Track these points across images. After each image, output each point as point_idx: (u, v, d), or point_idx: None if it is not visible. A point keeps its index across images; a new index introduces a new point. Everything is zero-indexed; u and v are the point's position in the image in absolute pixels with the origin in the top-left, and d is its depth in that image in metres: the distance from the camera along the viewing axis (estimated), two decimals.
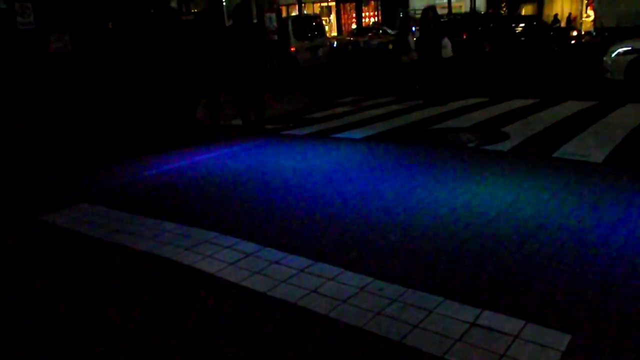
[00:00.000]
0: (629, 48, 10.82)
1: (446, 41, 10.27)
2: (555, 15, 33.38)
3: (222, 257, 3.66)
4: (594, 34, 25.74)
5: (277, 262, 3.52)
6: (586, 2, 35.87)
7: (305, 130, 8.25)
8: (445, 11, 34.10)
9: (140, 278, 3.47)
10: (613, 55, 11.01)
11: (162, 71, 7.59)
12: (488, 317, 2.75)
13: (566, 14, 35.41)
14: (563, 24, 31.10)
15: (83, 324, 2.93)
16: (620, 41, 11.86)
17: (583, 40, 24.54)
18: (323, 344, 2.63)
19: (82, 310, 3.10)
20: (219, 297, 3.15)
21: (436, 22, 10.17)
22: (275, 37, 11.82)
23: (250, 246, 3.81)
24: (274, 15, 11.85)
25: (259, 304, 3.03)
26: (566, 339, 2.53)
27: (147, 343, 2.72)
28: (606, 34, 23.52)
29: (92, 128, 6.93)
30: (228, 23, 10.32)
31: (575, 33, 24.21)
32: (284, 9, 39.95)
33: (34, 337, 2.85)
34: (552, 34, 23.61)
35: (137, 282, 3.40)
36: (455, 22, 26.95)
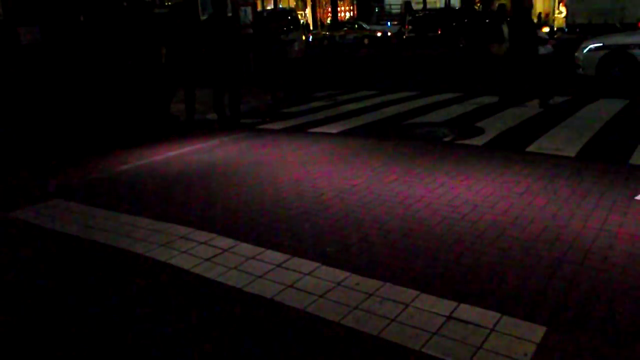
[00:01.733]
0: (601, 44, 10.99)
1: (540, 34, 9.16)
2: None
3: (198, 253, 3.62)
4: (566, 30, 26.11)
5: (253, 258, 3.50)
6: None
7: (281, 125, 8.21)
8: (421, 6, 34.34)
9: (115, 275, 3.41)
10: (585, 51, 11.18)
11: (136, 64, 7.48)
12: (464, 310, 2.77)
13: (539, 11, 35.83)
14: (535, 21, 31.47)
15: (56, 322, 2.88)
16: (592, 38, 12.05)
17: (555, 36, 24.88)
18: (300, 339, 2.61)
19: (56, 308, 3.03)
20: (195, 294, 3.12)
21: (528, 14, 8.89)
22: (251, 31, 11.75)
23: (226, 242, 3.77)
24: (249, 9, 11.78)
25: (235, 300, 3.01)
26: (541, 330, 2.56)
27: (122, 341, 2.68)
28: (578, 30, 23.88)
29: (65, 122, 6.80)
30: (202, 17, 10.23)
31: (547, 29, 24.54)
32: (259, 2, 39.72)
33: (5, 337, 2.79)
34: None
35: (112, 279, 3.35)
36: (431, 17, 27.19)
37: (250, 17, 11.81)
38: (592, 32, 18.84)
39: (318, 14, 43.80)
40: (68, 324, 2.85)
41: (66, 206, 4.70)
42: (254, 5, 13.17)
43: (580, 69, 11.29)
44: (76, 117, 6.89)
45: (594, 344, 2.46)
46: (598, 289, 2.93)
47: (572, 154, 5.73)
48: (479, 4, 34.01)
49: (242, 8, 11.62)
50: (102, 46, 7.19)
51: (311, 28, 38.88)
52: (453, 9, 32.05)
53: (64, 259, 3.68)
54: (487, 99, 9.47)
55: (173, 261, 3.51)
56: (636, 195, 4.33)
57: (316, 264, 3.36)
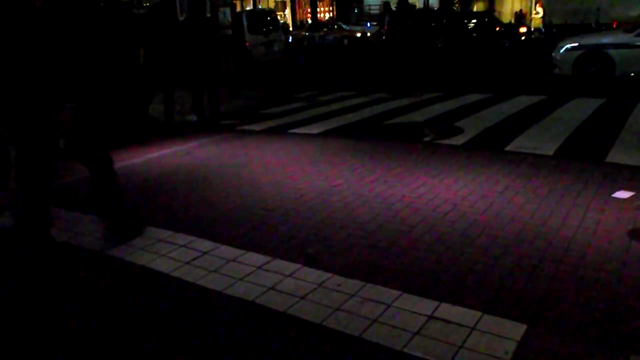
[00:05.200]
0: (577, 44, 11.16)
1: None
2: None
3: (177, 256, 3.58)
4: (543, 30, 26.45)
5: (234, 260, 3.47)
6: None
7: (262, 126, 8.18)
8: None
9: (92, 279, 3.36)
10: (561, 51, 11.34)
11: (113, 66, 7.38)
12: (445, 310, 2.78)
13: (517, 11, 36.22)
14: (512, 21, 31.89)
15: (31, 330, 2.82)
16: (568, 38, 12.22)
17: (533, 36, 25.18)
18: (282, 341, 2.60)
19: (32, 315, 2.98)
20: (174, 297, 3.08)
21: None
22: (230, 32, 11.70)
23: (206, 244, 3.74)
24: (228, 9, 11.72)
25: (216, 303, 2.98)
26: (522, 328, 2.58)
27: (104, 345, 2.64)
28: (554, 30, 24.20)
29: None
30: (181, 17, 10.15)
31: (524, 29, 24.83)
32: (238, 3, 39.55)
33: None
34: (502, 30, 24.19)
35: (89, 284, 3.30)
36: None
37: (229, 17, 11.74)
38: (569, 32, 19.11)
39: (298, 15, 43.79)
40: (47, 331, 2.80)
41: None
42: (233, 6, 13.11)
43: (557, 69, 11.45)
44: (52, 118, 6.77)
45: (574, 341, 2.48)
46: (577, 286, 2.96)
47: (550, 153, 5.79)
48: (457, 5, 34.32)
49: (221, 9, 11.55)
50: (78, 47, 7.08)
51: (291, 29, 38.85)
52: (432, 9, 32.23)
53: (41, 264, 3.61)
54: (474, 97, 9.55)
55: (152, 265, 3.47)
56: (613, 192, 4.38)
57: (297, 266, 3.34)
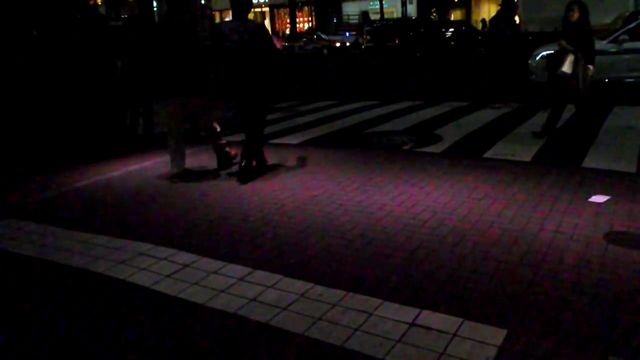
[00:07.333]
0: (552, 52, 11.32)
1: None
2: (483, 19, 34.60)
3: (158, 269, 3.55)
4: None
5: (215, 272, 3.46)
6: None
7: (241, 137, 8.14)
8: (378, 16, 34.81)
9: (73, 295, 3.32)
10: (537, 58, 11.50)
11: (91, 78, 7.33)
12: (426, 317, 2.79)
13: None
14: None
15: (11, 348, 2.78)
16: (544, 45, 12.41)
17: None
18: (264, 353, 2.59)
19: (10, 332, 2.93)
20: (156, 311, 3.06)
21: None
22: (209, 43, 11.70)
23: (187, 257, 3.72)
24: (206, 21, 11.74)
25: (198, 316, 2.96)
26: (502, 334, 2.60)
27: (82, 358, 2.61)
28: (530, 37, 24.57)
29: (17, 137, 6.62)
30: None
31: None
32: (217, 14, 39.57)
33: None
34: (480, 38, 24.51)
35: (70, 300, 3.26)
36: (388, 27, 27.60)
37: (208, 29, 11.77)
38: (544, 39, 19.41)
39: (277, 25, 43.94)
40: (25, 351, 2.76)
41: (20, 225, 4.56)
42: (212, 18, 13.14)
43: (533, 76, 11.61)
44: (29, 131, 6.70)
45: (553, 345, 2.51)
46: (555, 290, 3.00)
47: (528, 159, 5.87)
48: (435, 14, 34.71)
49: (200, 21, 11.57)
50: (55, 59, 7.03)
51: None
52: (410, 19, 32.56)
53: (19, 281, 3.57)
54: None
55: (133, 278, 3.44)
56: (589, 197, 4.46)
57: (279, 276, 3.34)
